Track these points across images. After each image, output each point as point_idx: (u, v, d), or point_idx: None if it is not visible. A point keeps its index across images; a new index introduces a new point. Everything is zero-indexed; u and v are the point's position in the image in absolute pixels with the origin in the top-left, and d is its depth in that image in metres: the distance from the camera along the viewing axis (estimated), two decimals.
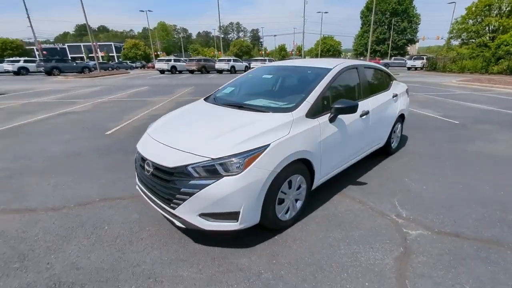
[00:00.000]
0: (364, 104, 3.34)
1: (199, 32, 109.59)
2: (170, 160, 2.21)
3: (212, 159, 2.10)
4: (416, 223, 2.64)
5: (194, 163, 2.11)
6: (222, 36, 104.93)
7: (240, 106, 2.88)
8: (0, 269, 2.12)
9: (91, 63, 32.30)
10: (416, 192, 3.24)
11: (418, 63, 33.20)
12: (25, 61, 28.74)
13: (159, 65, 28.03)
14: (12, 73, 27.92)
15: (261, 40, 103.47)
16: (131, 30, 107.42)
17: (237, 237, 2.43)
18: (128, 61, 52.78)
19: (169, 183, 2.19)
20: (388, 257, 2.19)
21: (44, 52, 58.53)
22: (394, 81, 4.36)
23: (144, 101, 10.47)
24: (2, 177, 3.76)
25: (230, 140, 2.23)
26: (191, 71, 27.30)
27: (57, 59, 28.14)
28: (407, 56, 44.64)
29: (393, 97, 4.06)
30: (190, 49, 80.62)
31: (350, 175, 3.65)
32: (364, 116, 3.29)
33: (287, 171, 2.35)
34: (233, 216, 2.13)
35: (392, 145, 4.42)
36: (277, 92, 3.44)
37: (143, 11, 51.61)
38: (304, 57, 44.37)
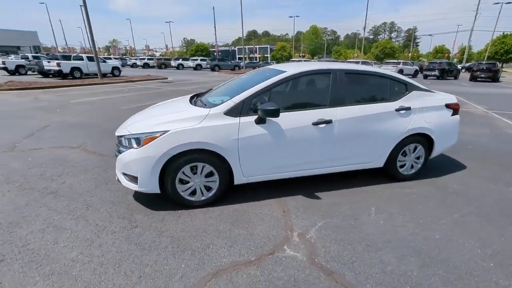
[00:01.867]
0: (325, 113, 2.95)
1: (347, 34, 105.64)
2: (118, 131, 2.99)
3: (131, 134, 2.72)
4: (306, 246, 2.30)
5: (124, 135, 2.80)
6: (371, 37, 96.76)
7: (202, 102, 3.28)
8: (43, 178, 3.57)
9: (242, 62, 37.98)
10: (360, 223, 2.63)
11: None
12: (201, 60, 37.51)
13: None
14: (192, 68, 37.06)
15: (417, 40, 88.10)
16: (286, 34, 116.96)
17: (157, 201, 2.95)
18: (274, 62, 58.35)
19: (116, 146, 2.98)
20: (227, 259, 2.15)
21: (219, 53, 73.24)
22: (414, 91, 3.35)
23: None
24: (104, 134, 5.72)
25: (149, 123, 2.78)
26: None
27: (219, 59, 35.16)
28: None
29: (399, 110, 3.20)
30: (333, 51, 79.44)
31: (316, 186, 3.31)
32: (323, 125, 2.92)
33: (188, 156, 2.65)
34: (134, 179, 2.70)
35: (403, 170, 3.48)
36: (239, 91, 3.51)
37: (291, 17, 55.29)
38: (467, 60, 34.53)
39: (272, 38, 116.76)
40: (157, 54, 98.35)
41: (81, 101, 9.85)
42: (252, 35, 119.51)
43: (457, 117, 3.58)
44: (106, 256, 2.15)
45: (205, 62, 36.36)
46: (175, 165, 2.65)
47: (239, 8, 31.18)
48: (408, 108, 3.25)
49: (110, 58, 36.49)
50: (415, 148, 3.44)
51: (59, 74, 18.86)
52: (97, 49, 19.16)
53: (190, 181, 2.78)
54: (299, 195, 3.16)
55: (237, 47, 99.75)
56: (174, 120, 2.71)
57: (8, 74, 22.38)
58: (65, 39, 78.23)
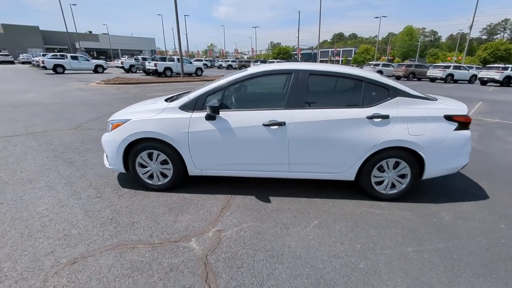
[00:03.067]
0: (279, 114, 2.78)
1: (451, 34, 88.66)
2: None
3: (110, 120, 3.19)
4: (212, 243, 2.27)
5: (108, 120, 3.30)
6: (484, 37, 78.96)
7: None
8: (74, 151, 4.46)
9: None
10: (286, 233, 2.40)
11: None
12: (276, 62, 38.54)
13: (365, 69, 27.39)
14: None
15: None
16: (375, 36, 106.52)
17: (132, 181, 3.37)
18: (354, 65, 54.83)
19: None
20: (136, 237, 2.33)
21: (301, 56, 73.06)
22: (398, 97, 2.76)
23: None
24: None
25: (125, 112, 3.20)
26: (397, 77, 24.27)
27: (290, 61, 35.26)
28: None
29: (372, 118, 2.71)
30: (428, 53, 68.17)
31: (278, 190, 3.15)
32: (275, 127, 2.76)
33: (145, 144, 2.94)
34: (107, 158, 3.15)
35: (380, 187, 2.93)
36: None
37: (377, 17, 50.17)
38: None
39: (360, 40, 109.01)
40: (245, 56, 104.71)
41: (154, 94, 11.55)
42: (337, 38, 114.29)
43: (465, 132, 2.79)
44: (59, 214, 2.64)
45: None
46: (135, 149, 2.98)
47: (327, 11, 30.28)
48: (386, 117, 2.73)
49: (201, 60, 41.20)
50: (397, 164, 2.86)
51: (155, 72, 22.45)
52: (196, 52, 21.97)
53: (148, 166, 3.07)
54: (253, 195, 3.07)
55: (319, 50, 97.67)
56: (139, 111, 3.04)
57: (124, 71, 27.90)
58: (174, 44, 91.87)
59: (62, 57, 25.11)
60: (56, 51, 48.78)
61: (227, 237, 2.35)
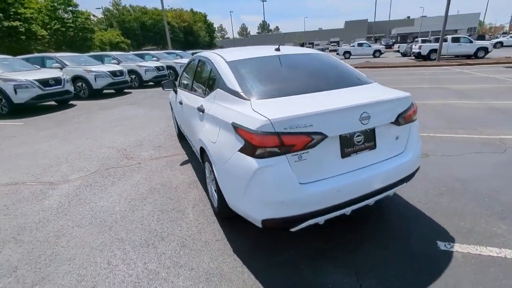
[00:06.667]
0: (182, 94, 3.22)
1: None
2: None
3: None
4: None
5: None
6: None
7: None
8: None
9: None
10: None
11: None
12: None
13: None
14: None
15: None
16: None
17: None
18: None
19: None
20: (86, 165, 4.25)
21: None
22: (218, 90, 2.04)
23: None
24: None
25: None
26: None
27: None
28: None
29: (199, 110, 2.35)
30: None
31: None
32: (181, 105, 3.23)
33: None
34: None
35: (216, 203, 2.28)
36: None
37: None
38: None
39: None
40: None
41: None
42: None
43: (249, 161, 1.44)
44: (102, 142, 5.21)
45: None
46: None
47: None
48: (202, 111, 2.21)
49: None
50: (213, 173, 2.13)
51: (419, 55, 19.64)
52: None
53: None
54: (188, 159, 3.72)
55: None
56: None
57: (401, 55, 26.01)
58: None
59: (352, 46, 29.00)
60: (371, 39, 53.56)
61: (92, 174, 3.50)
